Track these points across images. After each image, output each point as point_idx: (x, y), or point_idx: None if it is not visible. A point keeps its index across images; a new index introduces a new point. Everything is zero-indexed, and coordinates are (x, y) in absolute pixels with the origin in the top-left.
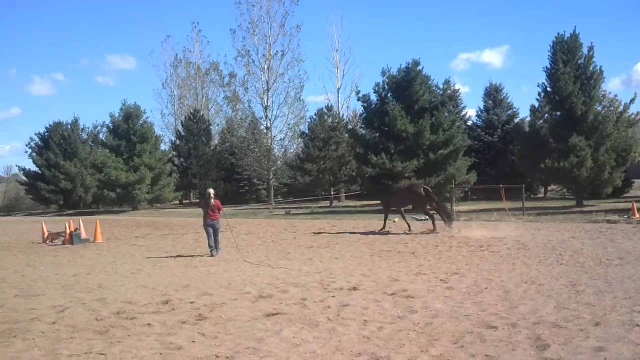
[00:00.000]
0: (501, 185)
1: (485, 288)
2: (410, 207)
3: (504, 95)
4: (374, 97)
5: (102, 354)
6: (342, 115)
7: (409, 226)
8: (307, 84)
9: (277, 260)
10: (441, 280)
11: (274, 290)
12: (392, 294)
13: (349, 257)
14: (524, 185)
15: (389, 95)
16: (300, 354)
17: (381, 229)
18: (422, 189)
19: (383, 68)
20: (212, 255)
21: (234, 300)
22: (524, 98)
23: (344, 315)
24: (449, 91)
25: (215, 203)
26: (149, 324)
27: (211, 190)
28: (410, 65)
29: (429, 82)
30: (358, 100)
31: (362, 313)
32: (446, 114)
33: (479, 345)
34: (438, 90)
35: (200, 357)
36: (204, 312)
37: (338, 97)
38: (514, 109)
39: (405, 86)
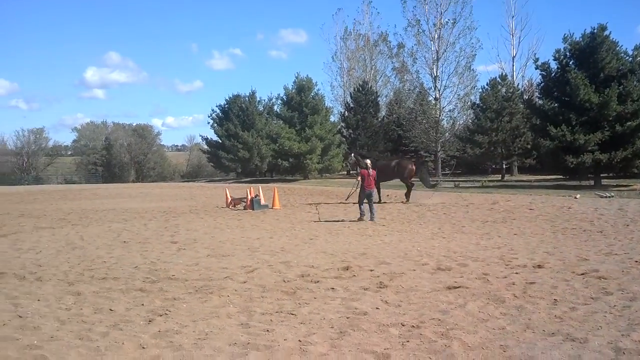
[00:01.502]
0: None
1: None
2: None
3: None
4: (553, 65)
5: (292, 314)
6: (517, 85)
7: (379, 199)
8: (479, 53)
9: (451, 234)
10: (636, 261)
11: (452, 264)
12: (582, 274)
13: (529, 233)
14: None
15: (570, 62)
16: (488, 329)
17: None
18: (412, 165)
19: (565, 34)
20: (361, 220)
21: (413, 270)
22: None
23: (531, 293)
24: (639, 58)
25: (372, 173)
26: (332, 288)
27: (368, 161)
28: (596, 31)
29: (617, 48)
30: (536, 68)
31: (550, 292)
32: (636, 82)
33: None
34: (627, 58)
35: (386, 324)
36: (384, 280)
37: (513, 65)
38: None
39: (589, 53)
